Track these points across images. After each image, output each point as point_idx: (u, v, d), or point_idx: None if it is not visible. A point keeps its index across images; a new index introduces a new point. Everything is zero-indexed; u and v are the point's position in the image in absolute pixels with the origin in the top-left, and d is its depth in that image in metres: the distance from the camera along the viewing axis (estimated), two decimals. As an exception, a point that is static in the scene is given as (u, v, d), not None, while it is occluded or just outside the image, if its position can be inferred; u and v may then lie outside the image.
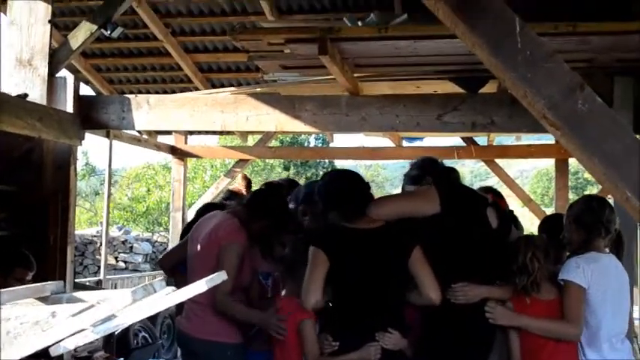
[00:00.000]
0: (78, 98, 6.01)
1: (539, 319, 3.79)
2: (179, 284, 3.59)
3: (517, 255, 3.82)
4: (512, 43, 2.17)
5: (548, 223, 4.55)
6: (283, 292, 4.10)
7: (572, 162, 10.16)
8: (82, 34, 5.89)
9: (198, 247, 4.30)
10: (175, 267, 4.95)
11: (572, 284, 3.73)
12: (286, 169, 31.37)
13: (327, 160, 29.93)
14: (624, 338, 3.88)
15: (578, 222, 3.94)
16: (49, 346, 2.18)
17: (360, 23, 5.73)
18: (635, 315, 4.85)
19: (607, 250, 3.93)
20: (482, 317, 3.79)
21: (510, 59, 2.18)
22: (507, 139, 14.59)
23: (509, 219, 4.21)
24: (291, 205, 4.93)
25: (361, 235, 3.81)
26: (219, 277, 2.27)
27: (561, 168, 9.75)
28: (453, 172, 4.29)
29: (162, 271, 5.72)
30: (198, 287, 2.12)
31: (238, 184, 6.58)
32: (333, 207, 3.94)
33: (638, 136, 5.87)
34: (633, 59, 5.36)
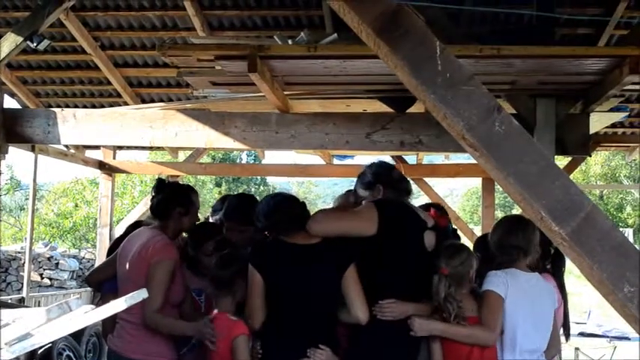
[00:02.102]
0: (2, 111, 5.88)
1: (455, 325, 3.83)
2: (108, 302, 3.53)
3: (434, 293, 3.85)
4: (432, 66, 2.22)
5: (482, 244, 4.61)
6: (216, 310, 4.07)
7: (499, 181, 10.35)
8: (6, 45, 5.78)
9: (127, 265, 4.24)
10: (102, 284, 4.87)
11: (491, 292, 3.82)
12: (218, 185, 31.22)
13: (259, 177, 29.89)
14: (541, 355, 3.96)
15: (500, 244, 4.03)
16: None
17: (290, 41, 5.77)
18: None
19: (529, 268, 4.02)
20: (406, 332, 3.83)
21: (430, 81, 2.22)
22: (437, 158, 14.81)
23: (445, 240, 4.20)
24: (217, 217, 5.00)
25: (297, 250, 3.83)
26: (139, 295, 2.24)
27: (488, 187, 9.92)
28: (404, 182, 4.25)
29: (89, 288, 5.60)
30: (117, 305, 2.10)
31: None
32: (272, 222, 3.94)
33: (560, 157, 6.10)
34: (555, 82, 5.53)
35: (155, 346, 4.13)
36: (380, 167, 4.30)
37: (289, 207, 3.96)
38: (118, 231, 8.97)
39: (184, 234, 4.75)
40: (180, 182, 4.78)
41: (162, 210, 4.36)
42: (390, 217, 3.84)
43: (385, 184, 4.11)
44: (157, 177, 4.61)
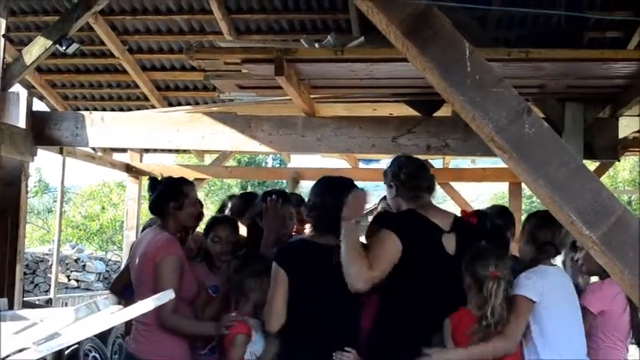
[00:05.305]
0: (31, 114, 5.94)
1: (475, 345, 3.61)
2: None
3: (488, 300, 3.60)
4: (461, 68, 2.20)
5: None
6: (234, 313, 4.06)
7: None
8: (36, 49, 5.83)
9: (137, 268, 4.25)
10: (124, 291, 4.90)
11: (520, 297, 3.69)
12: (243, 188, 31.23)
13: (284, 181, 29.93)
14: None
15: (532, 237, 3.94)
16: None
17: (317, 45, 5.77)
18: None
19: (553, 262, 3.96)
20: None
21: (459, 83, 2.21)
22: (463, 162, 14.73)
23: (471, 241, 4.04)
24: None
25: (323, 251, 3.79)
26: (165, 295, 2.24)
27: (515, 191, 9.84)
28: (418, 179, 3.92)
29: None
30: (144, 306, 2.10)
31: None
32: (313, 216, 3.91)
33: (588, 161, 6.04)
34: (584, 86, 5.47)
35: (166, 347, 4.11)
36: (393, 164, 4.04)
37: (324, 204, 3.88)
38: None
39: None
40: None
41: (157, 208, 4.36)
42: (406, 235, 3.71)
43: (397, 184, 3.92)
44: (149, 177, 4.61)
